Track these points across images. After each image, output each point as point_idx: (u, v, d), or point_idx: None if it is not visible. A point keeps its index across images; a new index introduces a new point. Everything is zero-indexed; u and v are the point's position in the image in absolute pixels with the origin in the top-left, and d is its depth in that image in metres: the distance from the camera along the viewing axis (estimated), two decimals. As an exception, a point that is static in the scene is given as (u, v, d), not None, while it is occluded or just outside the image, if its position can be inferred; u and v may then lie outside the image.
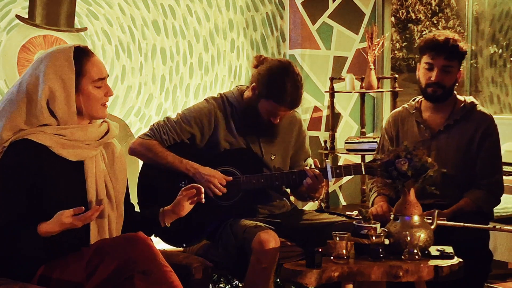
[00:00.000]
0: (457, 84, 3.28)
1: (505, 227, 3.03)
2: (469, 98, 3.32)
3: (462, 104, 3.27)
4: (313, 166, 3.14)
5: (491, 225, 3.09)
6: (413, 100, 3.39)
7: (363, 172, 3.12)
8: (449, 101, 3.28)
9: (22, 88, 2.41)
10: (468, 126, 3.24)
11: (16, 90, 2.42)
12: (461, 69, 3.27)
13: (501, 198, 3.30)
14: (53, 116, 2.40)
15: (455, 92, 3.32)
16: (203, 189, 2.64)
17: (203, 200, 2.64)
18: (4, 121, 2.38)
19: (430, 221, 2.80)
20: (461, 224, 2.94)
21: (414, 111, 3.33)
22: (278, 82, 3.05)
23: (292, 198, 3.42)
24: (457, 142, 3.23)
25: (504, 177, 3.39)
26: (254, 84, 3.11)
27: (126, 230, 2.53)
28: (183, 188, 2.66)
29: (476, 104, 3.29)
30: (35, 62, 2.44)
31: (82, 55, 2.43)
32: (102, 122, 2.54)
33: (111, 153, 2.56)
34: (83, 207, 2.30)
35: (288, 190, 3.36)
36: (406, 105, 3.40)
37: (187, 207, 2.64)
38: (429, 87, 3.22)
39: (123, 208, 2.58)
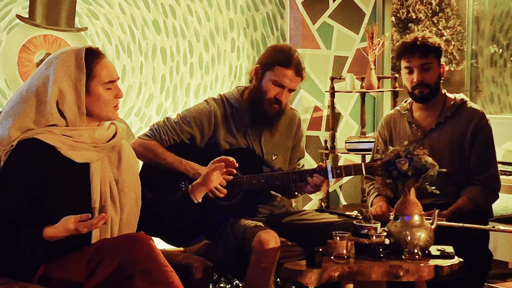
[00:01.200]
0: (442, 79, 3.30)
1: (504, 228, 3.03)
2: (460, 95, 3.33)
3: (452, 102, 3.29)
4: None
5: (490, 225, 3.09)
6: (405, 102, 3.43)
7: (364, 173, 3.12)
8: (439, 99, 3.30)
9: (32, 88, 2.41)
10: (459, 123, 3.26)
11: (26, 90, 2.42)
12: (442, 63, 3.30)
13: (501, 197, 3.30)
14: (62, 117, 2.40)
15: (445, 90, 3.33)
16: (234, 160, 2.75)
17: (235, 171, 2.75)
18: (12, 120, 2.39)
19: (430, 221, 2.80)
20: (461, 224, 2.95)
21: (406, 112, 3.36)
22: (280, 49, 3.16)
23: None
24: (449, 138, 3.24)
25: (505, 177, 3.40)
26: (257, 65, 3.16)
27: (158, 222, 2.57)
28: (212, 161, 2.76)
29: (467, 101, 3.31)
30: (45, 63, 2.44)
31: (92, 56, 2.43)
32: (110, 124, 2.54)
33: (118, 155, 2.55)
34: (90, 214, 2.30)
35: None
36: (398, 107, 3.45)
37: (216, 179, 2.71)
38: (415, 89, 3.26)
39: (140, 207, 2.57)
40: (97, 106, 2.44)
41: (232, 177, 3.08)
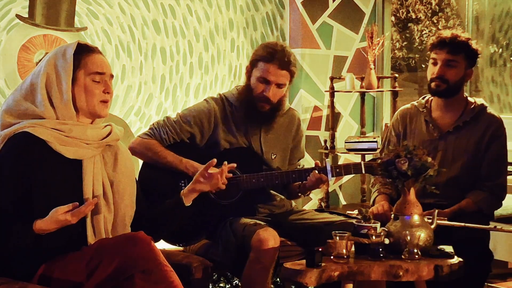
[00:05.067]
0: (466, 84, 3.28)
1: (506, 228, 3.02)
2: (480, 100, 3.30)
3: (472, 106, 3.27)
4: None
5: (491, 225, 3.08)
6: (423, 98, 3.38)
7: (363, 171, 3.12)
8: (460, 102, 3.27)
9: (28, 79, 2.49)
10: (477, 128, 3.23)
11: (24, 81, 2.50)
12: (472, 69, 3.27)
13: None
14: (52, 107, 2.42)
15: (466, 94, 3.31)
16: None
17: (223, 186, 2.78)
18: (6, 105, 2.46)
19: (430, 220, 2.80)
20: (462, 224, 2.94)
21: (424, 109, 3.32)
22: (265, 45, 3.18)
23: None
24: (465, 143, 3.22)
25: (505, 177, 3.39)
26: (247, 66, 3.19)
27: (151, 226, 2.59)
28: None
29: (486, 107, 3.28)
30: (43, 58, 2.52)
31: (84, 49, 2.48)
32: (106, 125, 2.54)
33: (114, 155, 2.55)
34: (77, 203, 2.31)
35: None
36: (415, 103, 3.39)
37: (202, 183, 2.74)
38: (432, 82, 3.23)
39: (134, 210, 2.58)
40: (83, 98, 2.45)
41: (231, 175, 3.09)
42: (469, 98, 3.30)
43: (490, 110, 3.29)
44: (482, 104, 3.28)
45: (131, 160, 2.65)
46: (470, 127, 3.24)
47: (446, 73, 3.19)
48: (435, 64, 3.23)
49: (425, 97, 3.38)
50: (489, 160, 3.21)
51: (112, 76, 2.52)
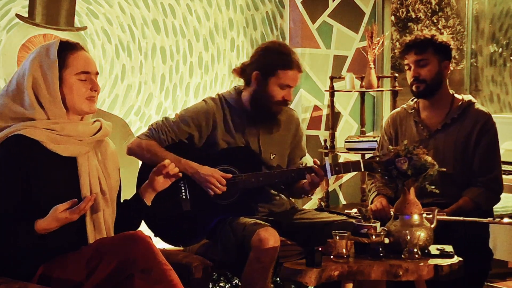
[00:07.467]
0: (447, 78, 3.30)
1: (504, 220, 3.01)
2: (467, 97, 3.33)
3: (460, 103, 3.29)
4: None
5: (490, 219, 3.08)
6: (412, 100, 3.41)
7: (362, 169, 3.12)
8: (446, 100, 3.29)
9: (13, 81, 2.47)
10: (465, 124, 3.25)
11: (9, 83, 2.49)
12: (447, 61, 3.28)
13: (501, 196, 3.30)
14: (42, 108, 2.42)
15: (453, 91, 3.33)
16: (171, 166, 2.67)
17: (180, 174, 2.68)
18: None
19: (430, 216, 2.80)
20: (461, 218, 2.95)
21: (412, 111, 3.35)
22: (275, 52, 3.12)
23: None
24: (455, 140, 3.24)
25: (504, 176, 3.39)
26: (256, 72, 3.12)
27: (118, 224, 2.56)
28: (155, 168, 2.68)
29: (474, 102, 3.30)
30: (27, 58, 2.50)
31: (67, 48, 2.46)
32: (95, 120, 2.55)
33: (104, 150, 2.57)
34: (76, 199, 2.32)
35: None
36: (404, 106, 3.43)
37: (162, 182, 2.67)
38: (412, 85, 3.28)
39: (116, 206, 2.58)
40: (71, 97, 2.44)
41: (231, 175, 3.09)
42: (456, 95, 3.32)
43: (478, 106, 3.31)
44: (470, 101, 3.30)
45: (117, 154, 2.66)
46: (458, 124, 3.26)
47: (421, 73, 3.24)
48: (409, 68, 3.28)
49: (413, 99, 3.42)
50: (481, 155, 3.22)
51: (97, 73, 2.51)
